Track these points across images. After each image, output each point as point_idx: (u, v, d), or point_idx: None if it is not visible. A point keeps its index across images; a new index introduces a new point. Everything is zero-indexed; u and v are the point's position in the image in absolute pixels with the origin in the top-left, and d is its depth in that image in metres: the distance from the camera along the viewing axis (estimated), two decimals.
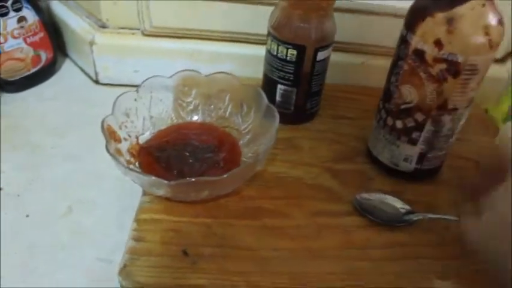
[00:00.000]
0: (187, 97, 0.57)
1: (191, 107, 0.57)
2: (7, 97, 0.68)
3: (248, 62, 0.67)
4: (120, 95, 0.51)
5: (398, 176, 0.53)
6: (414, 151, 0.50)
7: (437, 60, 0.44)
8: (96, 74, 0.70)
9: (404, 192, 0.52)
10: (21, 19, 0.64)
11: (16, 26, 0.64)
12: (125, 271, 0.43)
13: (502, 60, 0.71)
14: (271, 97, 0.57)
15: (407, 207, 0.49)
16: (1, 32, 0.63)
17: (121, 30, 0.68)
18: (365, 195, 0.50)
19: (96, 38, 0.67)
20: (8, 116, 0.65)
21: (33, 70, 0.69)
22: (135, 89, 0.53)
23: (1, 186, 0.55)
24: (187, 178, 0.44)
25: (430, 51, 0.44)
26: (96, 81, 0.71)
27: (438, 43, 0.44)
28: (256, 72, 0.62)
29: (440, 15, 0.44)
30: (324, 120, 0.62)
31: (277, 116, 0.49)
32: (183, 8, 0.64)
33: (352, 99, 0.66)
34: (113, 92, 0.71)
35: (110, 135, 0.48)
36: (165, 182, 0.42)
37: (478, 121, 0.64)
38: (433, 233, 0.48)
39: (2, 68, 0.65)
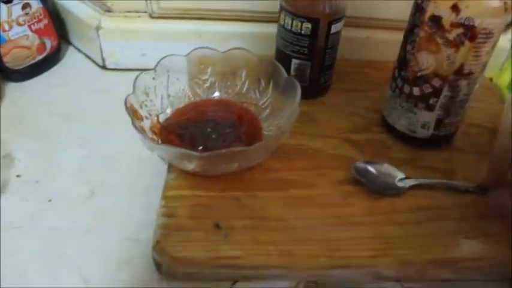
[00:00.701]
0: (203, 75, 0.57)
1: (207, 85, 0.57)
2: (14, 86, 0.67)
3: (257, 40, 0.67)
4: (140, 74, 0.52)
5: (415, 143, 0.54)
6: (431, 117, 0.52)
7: (454, 25, 0.45)
8: (103, 59, 0.69)
9: (422, 158, 0.54)
10: (26, 6, 0.63)
11: (21, 13, 0.63)
12: (158, 246, 0.44)
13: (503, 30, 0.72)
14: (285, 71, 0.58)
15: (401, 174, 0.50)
16: (6, 19, 0.62)
17: (127, 14, 0.67)
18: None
19: (102, 23, 0.66)
20: (16, 104, 0.65)
21: (38, 58, 0.68)
22: (153, 68, 0.53)
23: (20, 174, 0.55)
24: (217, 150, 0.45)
25: (446, 16, 0.45)
26: (103, 67, 0.71)
27: (455, 8, 0.45)
28: (266, 50, 0.63)
29: None
30: (337, 93, 0.63)
31: (299, 87, 0.50)
32: None
33: (360, 73, 0.67)
34: (121, 76, 0.72)
35: (133, 113, 0.48)
36: (196, 154, 0.43)
37: (485, 89, 0.65)
38: (452, 196, 0.49)
39: (8, 57, 0.64)
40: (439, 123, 0.52)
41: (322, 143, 0.55)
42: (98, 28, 0.66)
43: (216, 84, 0.57)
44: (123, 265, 0.47)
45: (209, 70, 0.57)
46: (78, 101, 0.66)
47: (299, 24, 0.54)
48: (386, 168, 0.50)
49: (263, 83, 0.55)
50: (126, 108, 0.47)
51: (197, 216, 0.46)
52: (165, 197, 0.48)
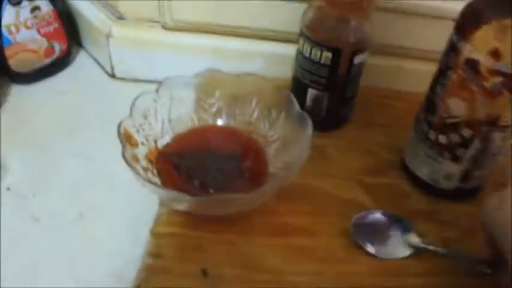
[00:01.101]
0: (210, 98, 0.52)
1: (214, 110, 0.53)
2: (17, 89, 0.65)
3: (276, 61, 0.62)
4: (139, 96, 0.47)
5: (437, 193, 0.49)
6: (458, 169, 0.46)
7: (492, 72, 0.40)
8: (112, 67, 0.66)
9: (443, 212, 0.48)
10: (35, 9, 0.60)
11: (29, 16, 0.60)
12: None
13: None
14: (300, 101, 0.53)
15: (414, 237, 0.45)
16: (14, 22, 0.59)
17: (140, 22, 0.64)
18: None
19: (113, 30, 0.63)
20: (17, 109, 0.62)
21: (46, 62, 0.65)
22: (154, 88, 0.49)
23: (9, 187, 0.52)
24: (211, 192, 0.41)
25: (485, 61, 0.40)
26: (112, 75, 0.67)
27: (495, 53, 0.39)
28: (284, 72, 0.58)
29: (498, 22, 0.39)
30: (356, 127, 0.57)
31: (311, 125, 0.45)
32: (207, 0, 0.59)
33: (385, 104, 0.62)
34: (129, 87, 0.68)
35: (127, 139, 0.44)
36: (188, 197, 0.39)
37: None
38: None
39: (14, 60, 0.62)
40: (465, 175, 0.47)
41: (332, 185, 0.50)
42: (108, 35, 0.63)
43: (224, 109, 0.52)
44: None
45: (217, 94, 0.52)
46: (81, 111, 0.62)
47: (318, 52, 0.49)
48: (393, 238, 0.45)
49: (274, 114, 0.50)
50: (119, 134, 0.43)
51: (186, 259, 0.42)
52: (153, 234, 0.44)
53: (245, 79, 0.51)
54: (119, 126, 0.44)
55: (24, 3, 0.59)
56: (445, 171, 0.47)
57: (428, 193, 0.49)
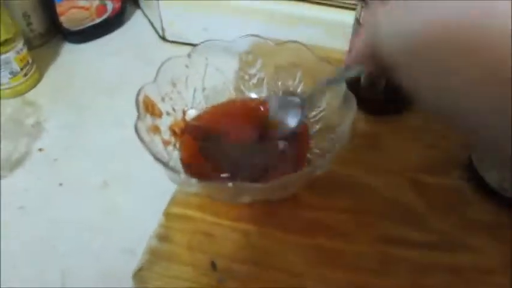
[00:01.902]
0: (251, 68, 0.47)
1: (254, 81, 0.47)
2: (70, 47, 0.63)
3: (337, 30, 0.54)
4: (168, 60, 0.43)
5: (505, 203, 0.40)
6: None
7: None
8: (163, 30, 0.62)
9: (509, 226, 0.39)
10: None
11: None
12: (139, 275, 0.37)
13: None
14: (355, 79, 0.46)
15: None
16: None
17: None
18: None
19: None
20: (66, 68, 0.61)
21: (98, 20, 0.63)
22: (186, 53, 0.44)
23: (43, 147, 0.51)
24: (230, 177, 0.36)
25: None
26: (163, 38, 0.64)
27: None
28: (344, 42, 0.50)
29: None
30: (420, 113, 0.48)
31: (355, 106, 0.38)
32: None
33: None
34: (179, 50, 0.64)
35: (147, 108, 0.40)
36: (197, 182, 0.34)
37: None
38: None
39: (65, 17, 0.60)
40: None
41: (380, 180, 0.42)
42: None
43: (265, 81, 0.47)
44: (109, 277, 0.41)
45: (258, 63, 0.46)
46: (127, 74, 0.60)
47: None
48: None
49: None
50: (137, 101, 0.39)
51: (195, 247, 0.38)
52: (167, 214, 0.41)
53: (290, 48, 0.44)
54: (138, 93, 0.40)
55: None
56: None
57: (495, 201, 0.40)
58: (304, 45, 0.44)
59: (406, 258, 0.37)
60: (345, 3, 0.54)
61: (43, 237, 0.43)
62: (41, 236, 0.44)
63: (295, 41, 0.44)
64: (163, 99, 0.43)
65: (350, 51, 0.30)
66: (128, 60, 0.62)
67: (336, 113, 0.41)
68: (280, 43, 0.45)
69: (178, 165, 0.40)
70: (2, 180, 0.47)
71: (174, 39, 0.63)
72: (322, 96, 0.42)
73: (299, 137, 0.42)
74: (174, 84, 0.44)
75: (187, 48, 0.62)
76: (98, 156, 0.50)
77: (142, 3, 0.67)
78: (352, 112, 0.38)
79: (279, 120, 0.41)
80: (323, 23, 0.56)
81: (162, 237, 0.39)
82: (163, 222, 0.40)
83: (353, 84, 0.46)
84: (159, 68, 0.42)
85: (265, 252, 0.37)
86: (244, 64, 0.47)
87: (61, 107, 0.55)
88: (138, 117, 0.38)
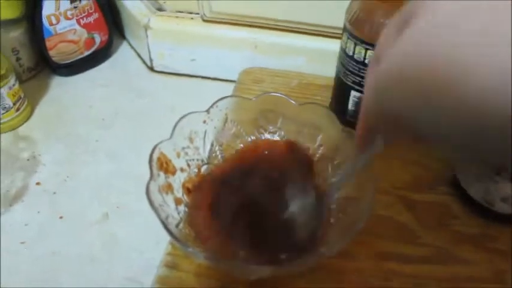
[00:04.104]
0: (271, 126, 0.46)
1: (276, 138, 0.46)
2: (59, 80, 0.65)
3: (321, 57, 0.58)
4: (185, 116, 0.41)
5: (491, 217, 0.43)
6: None
7: None
8: (151, 60, 0.64)
9: (496, 238, 0.42)
10: None
11: (69, 6, 0.59)
12: None
13: None
14: (342, 104, 0.49)
15: None
16: (54, 12, 0.59)
17: (179, 15, 0.61)
18: None
19: (152, 22, 0.61)
20: (57, 101, 0.62)
21: (86, 53, 0.64)
22: (205, 108, 0.43)
23: (39, 181, 0.52)
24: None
25: None
26: (151, 68, 0.66)
27: None
28: (328, 70, 0.53)
29: None
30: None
31: (375, 179, 0.37)
32: None
33: None
34: (167, 80, 0.66)
35: (161, 166, 0.38)
36: (201, 256, 0.33)
37: None
38: None
39: (54, 51, 0.61)
40: None
41: None
42: (146, 27, 0.61)
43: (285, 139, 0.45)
44: None
45: (280, 121, 0.46)
46: (118, 105, 0.61)
47: (363, 51, 0.44)
48: None
49: (338, 159, 0.42)
50: (151, 160, 0.37)
51: (204, 274, 0.39)
52: (172, 243, 0.42)
53: (313, 110, 0.43)
54: (153, 150, 0.38)
55: None
56: (502, 193, 0.41)
57: (481, 215, 0.43)
58: (328, 110, 0.43)
59: (404, 273, 0.39)
60: (329, 32, 0.57)
61: (46, 271, 0.44)
62: (44, 270, 0.44)
63: (317, 104, 0.44)
64: (178, 155, 0.41)
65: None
66: (117, 91, 0.63)
67: (356, 184, 0.39)
68: (302, 104, 0.44)
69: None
70: (1, 216, 0.48)
71: (162, 70, 0.65)
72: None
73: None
74: (191, 140, 0.42)
75: (175, 78, 0.65)
76: (96, 188, 0.51)
77: (128, 35, 0.69)
78: (372, 185, 0.36)
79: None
80: (308, 52, 0.59)
81: (170, 265, 0.40)
82: (170, 250, 0.41)
83: (340, 108, 0.49)
84: (176, 124, 0.40)
85: (272, 276, 0.39)
86: (265, 121, 0.46)
87: (55, 140, 0.56)
88: (151, 178, 0.36)
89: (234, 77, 0.60)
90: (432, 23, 0.20)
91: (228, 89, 0.58)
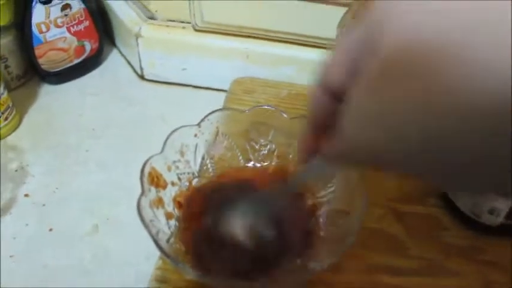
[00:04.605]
0: (262, 138, 0.46)
1: (265, 152, 0.46)
2: (48, 88, 0.64)
3: (310, 67, 0.58)
4: (176, 130, 0.41)
5: (480, 229, 0.43)
6: (505, 204, 0.41)
7: None
8: (142, 69, 0.64)
9: (485, 250, 0.43)
10: (65, 7, 0.59)
11: (60, 14, 0.59)
12: None
13: None
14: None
15: None
16: (44, 20, 0.58)
17: (170, 23, 0.61)
18: None
19: (143, 31, 0.61)
20: (46, 109, 0.61)
21: (76, 61, 0.64)
22: (196, 120, 0.43)
23: (28, 193, 0.51)
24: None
25: None
26: (142, 77, 0.65)
27: None
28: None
29: None
30: None
31: (365, 195, 0.37)
32: (239, 3, 0.56)
33: None
34: (158, 89, 0.66)
35: (152, 180, 0.38)
36: (191, 271, 0.34)
37: None
38: None
39: (44, 59, 0.61)
40: None
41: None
42: (137, 35, 0.60)
43: (275, 153, 0.46)
44: None
45: (271, 134, 0.46)
46: (109, 114, 0.61)
47: None
48: None
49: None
50: (142, 175, 0.37)
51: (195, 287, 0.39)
52: (162, 257, 0.42)
53: (301, 122, 0.43)
54: (144, 165, 0.38)
55: (55, 2, 0.58)
56: (490, 206, 0.41)
57: (470, 227, 0.44)
58: None
59: (393, 285, 0.40)
60: (321, 43, 0.57)
61: (36, 285, 0.44)
62: (33, 284, 0.44)
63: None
64: (169, 169, 0.41)
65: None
66: (107, 100, 0.63)
67: (346, 200, 0.39)
68: (293, 117, 0.44)
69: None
70: None
71: (152, 78, 0.65)
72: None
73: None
74: (181, 153, 0.42)
75: (166, 87, 0.65)
76: (87, 200, 0.50)
77: (119, 43, 0.69)
78: (363, 198, 0.37)
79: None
80: (297, 62, 0.59)
81: (160, 279, 0.40)
82: (160, 264, 0.41)
83: None
84: (167, 138, 0.40)
85: None
86: (256, 134, 0.46)
87: (44, 150, 0.56)
88: (142, 193, 0.36)
89: (225, 87, 0.60)
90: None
91: (219, 98, 0.59)
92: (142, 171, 0.37)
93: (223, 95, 0.59)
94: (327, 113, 0.25)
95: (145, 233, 0.44)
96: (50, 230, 0.48)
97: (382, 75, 0.19)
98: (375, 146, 0.21)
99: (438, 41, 0.17)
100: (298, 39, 0.58)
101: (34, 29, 0.58)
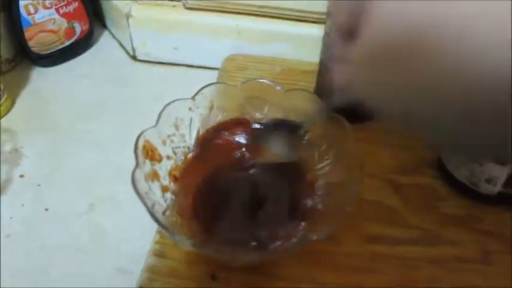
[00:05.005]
0: (257, 112, 0.45)
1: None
2: (39, 71, 0.63)
3: (304, 43, 0.57)
4: (170, 103, 0.41)
5: (477, 198, 0.43)
6: (502, 172, 0.40)
7: None
8: (134, 49, 0.63)
9: (482, 219, 0.43)
10: None
11: None
12: None
13: None
14: (327, 88, 0.49)
15: None
16: (31, 1, 0.57)
17: (160, 2, 0.60)
18: None
19: (133, 10, 0.60)
20: (38, 92, 0.60)
21: (67, 43, 0.63)
22: (190, 96, 0.42)
23: (23, 174, 0.51)
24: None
25: None
26: (134, 58, 0.65)
27: None
28: (313, 55, 0.53)
29: None
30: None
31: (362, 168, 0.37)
32: None
33: None
34: (150, 70, 0.65)
35: (147, 154, 0.38)
36: (188, 243, 0.34)
37: None
38: None
39: (34, 41, 0.60)
40: (511, 179, 0.41)
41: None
42: (128, 16, 0.60)
43: None
44: None
45: (266, 108, 0.45)
46: (101, 95, 0.60)
47: None
48: None
49: (324, 145, 0.42)
50: (136, 149, 0.36)
51: (193, 261, 0.39)
52: (160, 231, 0.41)
53: (297, 96, 0.43)
54: (138, 138, 0.37)
55: None
56: (487, 175, 0.41)
57: (467, 196, 0.44)
58: (313, 95, 0.43)
59: (392, 255, 0.40)
60: (313, 18, 0.56)
61: (34, 263, 0.43)
62: (31, 262, 0.43)
63: (302, 89, 0.44)
64: (164, 143, 0.40)
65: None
66: (99, 82, 0.62)
67: (340, 172, 0.39)
68: (288, 90, 0.43)
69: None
70: None
71: (144, 59, 0.64)
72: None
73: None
74: (176, 127, 0.42)
75: (158, 67, 0.64)
76: (82, 180, 0.50)
77: (110, 24, 0.68)
78: (359, 169, 0.37)
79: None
80: (291, 38, 0.59)
81: (159, 253, 0.40)
82: (158, 239, 0.41)
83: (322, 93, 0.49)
84: (161, 112, 0.40)
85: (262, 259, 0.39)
86: (251, 108, 0.45)
87: (37, 132, 0.55)
88: (137, 165, 0.35)
89: (218, 65, 0.59)
90: None
91: (212, 76, 0.58)
92: (136, 143, 0.37)
93: (216, 73, 0.58)
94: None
95: (141, 211, 0.44)
96: (46, 209, 0.48)
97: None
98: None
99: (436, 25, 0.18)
100: (290, 15, 0.57)
101: (22, 10, 0.58)
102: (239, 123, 0.45)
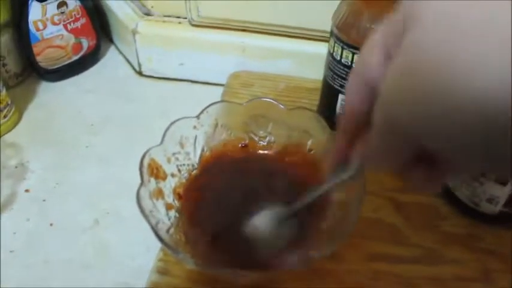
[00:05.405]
0: (261, 130, 0.46)
1: (264, 143, 0.46)
2: (46, 86, 0.64)
3: (308, 60, 0.58)
4: (175, 122, 0.41)
5: (478, 217, 0.44)
6: (503, 192, 0.41)
7: None
8: (139, 65, 0.64)
9: (483, 238, 0.43)
10: (62, 4, 0.59)
11: (56, 11, 0.59)
12: None
13: None
14: (330, 107, 0.49)
15: None
16: (40, 18, 0.58)
17: (167, 19, 0.61)
18: None
19: (140, 27, 0.61)
20: (45, 106, 0.61)
21: (74, 58, 0.64)
22: (195, 114, 0.43)
23: (28, 188, 0.51)
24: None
25: None
26: (140, 73, 0.65)
27: None
28: (317, 73, 0.54)
29: None
30: None
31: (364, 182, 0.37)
32: None
33: None
34: (156, 85, 0.66)
35: (151, 172, 0.39)
36: (191, 262, 0.34)
37: None
38: None
39: (41, 56, 0.61)
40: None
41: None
42: (134, 32, 0.61)
43: (274, 145, 0.46)
44: None
45: (270, 126, 0.45)
46: (107, 110, 0.61)
47: (350, 55, 0.45)
48: None
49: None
50: (142, 166, 0.37)
51: (196, 279, 0.40)
52: (163, 248, 0.42)
53: (302, 115, 0.43)
54: (143, 157, 0.38)
55: None
56: (488, 194, 0.41)
57: (468, 216, 0.44)
58: (316, 115, 0.43)
59: (394, 273, 0.40)
60: (317, 36, 0.57)
61: (37, 279, 0.44)
62: (34, 278, 0.44)
63: (305, 108, 0.44)
64: (169, 161, 0.41)
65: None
66: (106, 97, 0.63)
67: (345, 187, 0.38)
68: (291, 109, 0.44)
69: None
70: None
71: (150, 74, 0.65)
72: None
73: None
74: (181, 145, 0.42)
75: (164, 83, 0.65)
76: (86, 195, 0.51)
77: (116, 40, 0.69)
78: (361, 188, 0.36)
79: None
80: (295, 55, 0.59)
81: (162, 271, 0.40)
82: (162, 256, 0.41)
83: (328, 112, 0.50)
84: (167, 130, 0.41)
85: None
86: (255, 126, 0.46)
87: (43, 146, 0.56)
88: (142, 183, 0.36)
89: (223, 81, 0.60)
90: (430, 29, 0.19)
91: (217, 92, 0.59)
92: (141, 162, 0.37)
93: (220, 89, 0.59)
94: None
95: (145, 226, 0.45)
96: (51, 225, 0.48)
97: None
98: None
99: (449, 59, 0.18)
100: (295, 32, 0.58)
101: (31, 26, 0.59)
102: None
